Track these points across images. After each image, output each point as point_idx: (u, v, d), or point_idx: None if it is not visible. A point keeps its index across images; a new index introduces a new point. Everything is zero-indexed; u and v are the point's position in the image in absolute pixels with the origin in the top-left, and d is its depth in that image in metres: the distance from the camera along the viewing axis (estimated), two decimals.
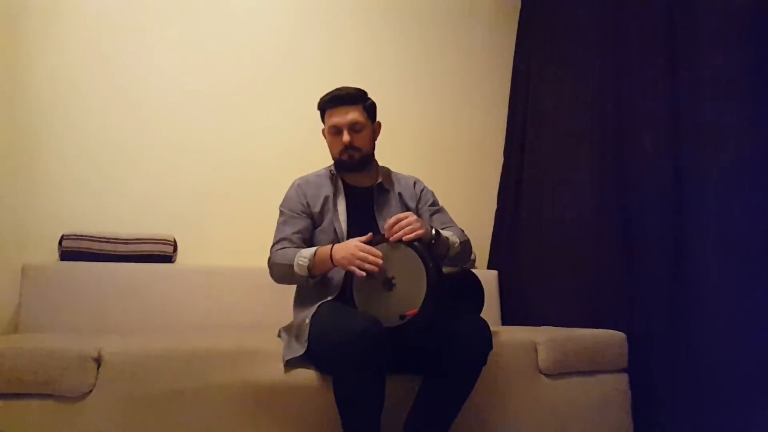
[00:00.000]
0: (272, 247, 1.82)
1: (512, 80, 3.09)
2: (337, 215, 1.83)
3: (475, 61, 3.09)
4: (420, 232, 1.58)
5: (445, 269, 1.62)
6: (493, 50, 3.12)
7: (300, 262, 1.70)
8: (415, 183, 1.98)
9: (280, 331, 1.85)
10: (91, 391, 1.52)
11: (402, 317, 1.55)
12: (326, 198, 1.85)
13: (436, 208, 1.94)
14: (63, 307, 2.12)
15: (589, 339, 2.03)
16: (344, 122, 1.81)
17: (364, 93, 1.86)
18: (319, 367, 1.64)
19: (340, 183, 1.89)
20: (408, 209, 1.89)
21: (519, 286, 2.71)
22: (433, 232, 1.68)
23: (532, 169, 2.78)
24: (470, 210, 2.22)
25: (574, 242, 2.45)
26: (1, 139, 2.30)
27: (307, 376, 1.64)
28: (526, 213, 2.76)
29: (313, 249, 1.72)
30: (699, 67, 1.98)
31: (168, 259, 2.36)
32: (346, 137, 1.80)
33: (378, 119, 1.91)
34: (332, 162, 1.91)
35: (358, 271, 1.58)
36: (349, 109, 1.81)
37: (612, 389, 2.02)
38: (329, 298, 1.71)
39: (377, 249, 1.61)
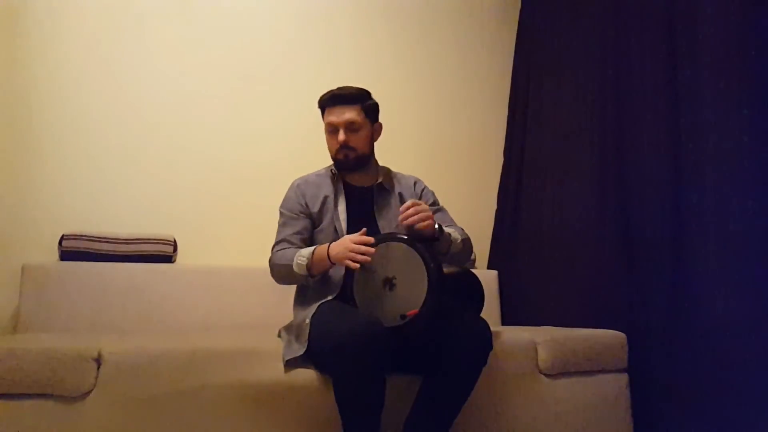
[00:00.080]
0: (273, 248, 1.83)
1: (512, 80, 3.09)
2: (337, 215, 1.83)
3: (475, 61, 3.09)
4: (429, 222, 1.62)
5: (445, 269, 1.62)
6: (493, 50, 3.12)
7: (299, 262, 1.70)
8: (415, 183, 1.98)
9: (280, 331, 1.85)
10: (91, 391, 1.52)
11: (402, 317, 1.55)
12: (326, 198, 1.86)
13: (436, 208, 1.94)
14: (63, 307, 2.12)
15: (589, 339, 2.03)
16: (340, 121, 1.81)
17: (365, 93, 1.86)
18: (319, 367, 1.64)
19: (340, 183, 1.89)
20: None
21: (519, 286, 2.71)
22: (436, 226, 1.68)
23: (532, 169, 2.77)
24: (470, 210, 2.23)
25: (574, 242, 2.45)
26: (1, 139, 2.30)
27: (307, 376, 1.64)
28: (526, 213, 2.76)
29: (311, 248, 1.73)
30: (699, 68, 1.98)
31: (168, 259, 2.36)
32: (341, 136, 1.80)
33: (380, 120, 1.91)
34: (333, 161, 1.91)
35: (352, 264, 1.59)
36: (346, 108, 1.81)
37: (612, 389, 2.01)
38: (329, 297, 1.71)
39: (379, 249, 1.61)
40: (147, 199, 2.46)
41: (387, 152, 2.02)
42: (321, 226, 1.84)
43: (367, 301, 1.62)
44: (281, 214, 1.87)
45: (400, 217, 1.63)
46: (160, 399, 1.54)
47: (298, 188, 1.89)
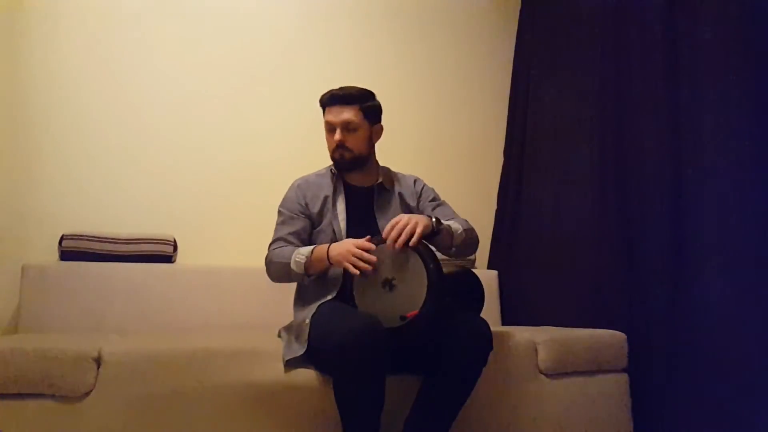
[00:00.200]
0: (269, 246, 1.83)
1: (512, 80, 3.08)
2: (336, 215, 1.83)
3: (475, 61, 3.09)
4: (419, 229, 1.58)
5: (445, 269, 1.62)
6: (493, 50, 3.12)
7: (297, 260, 1.70)
8: (415, 181, 1.98)
9: (280, 331, 1.85)
10: (91, 391, 1.52)
11: (402, 318, 1.55)
12: (326, 198, 1.85)
13: (437, 203, 1.94)
14: (63, 307, 2.12)
15: (589, 339, 2.03)
16: (337, 121, 1.80)
17: (366, 94, 1.85)
18: (319, 367, 1.64)
19: (340, 183, 1.89)
20: (409, 208, 1.89)
21: (519, 286, 2.71)
22: (433, 220, 1.68)
23: (532, 168, 2.77)
24: (470, 210, 2.21)
25: (575, 242, 2.45)
26: (1, 139, 2.30)
27: (307, 376, 1.64)
28: (526, 213, 2.76)
29: (310, 247, 1.72)
30: (699, 68, 1.98)
31: (168, 259, 2.36)
32: (337, 136, 1.80)
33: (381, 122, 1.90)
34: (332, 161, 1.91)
35: (351, 269, 1.58)
36: (344, 108, 1.81)
37: (612, 389, 2.02)
38: (329, 297, 1.71)
39: (378, 249, 1.61)
40: (147, 199, 2.46)
41: (387, 152, 2.02)
42: (321, 227, 1.83)
43: (367, 302, 1.62)
44: (280, 213, 1.87)
45: (388, 245, 1.58)
46: (160, 399, 1.54)
47: (299, 188, 1.89)
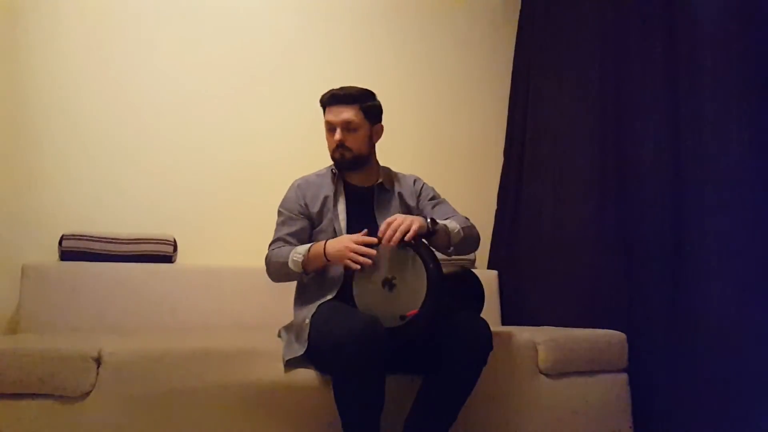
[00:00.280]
0: (269, 246, 1.83)
1: (512, 80, 3.08)
2: (337, 215, 1.83)
3: (475, 61, 3.09)
4: (414, 227, 1.58)
5: (445, 269, 1.62)
6: (493, 50, 3.12)
7: (294, 258, 1.70)
8: (414, 181, 1.99)
9: (280, 331, 1.85)
10: (91, 391, 1.52)
11: (402, 318, 1.55)
12: (326, 198, 1.85)
13: (436, 201, 1.94)
14: (63, 307, 2.12)
15: (589, 339, 2.03)
16: (337, 120, 1.80)
17: (367, 94, 1.85)
18: (319, 367, 1.64)
19: (340, 182, 1.89)
20: (408, 208, 1.89)
21: (519, 286, 2.71)
22: (428, 220, 1.68)
23: (532, 169, 2.77)
24: (470, 210, 2.21)
25: (574, 242, 2.44)
26: (1, 139, 2.30)
27: (307, 376, 1.64)
28: (526, 213, 2.76)
29: (307, 245, 1.73)
30: (699, 68, 1.98)
31: (168, 259, 2.35)
32: (337, 135, 1.80)
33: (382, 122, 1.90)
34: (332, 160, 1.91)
35: (352, 264, 1.59)
36: (344, 108, 1.81)
37: (612, 389, 2.02)
38: (329, 297, 1.71)
39: (378, 249, 1.61)
40: (147, 199, 2.46)
41: (387, 152, 2.02)
42: (321, 227, 1.83)
43: (366, 302, 1.62)
44: (280, 213, 1.87)
45: (383, 243, 1.59)
46: (160, 399, 1.55)
47: (299, 189, 1.89)
